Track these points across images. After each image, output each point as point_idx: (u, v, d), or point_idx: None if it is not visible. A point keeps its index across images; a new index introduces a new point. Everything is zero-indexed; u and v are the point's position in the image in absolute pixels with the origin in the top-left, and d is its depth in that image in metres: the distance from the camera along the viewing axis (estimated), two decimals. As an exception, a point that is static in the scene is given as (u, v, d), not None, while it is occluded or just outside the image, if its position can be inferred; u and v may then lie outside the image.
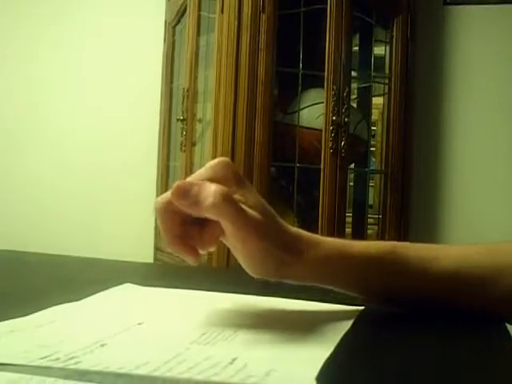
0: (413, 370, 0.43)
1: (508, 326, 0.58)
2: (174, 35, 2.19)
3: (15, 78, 2.47)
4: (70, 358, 0.38)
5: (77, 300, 0.57)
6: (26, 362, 0.37)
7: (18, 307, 0.52)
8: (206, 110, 1.94)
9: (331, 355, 0.42)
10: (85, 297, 0.58)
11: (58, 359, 0.37)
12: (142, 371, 0.36)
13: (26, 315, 0.50)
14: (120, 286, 0.65)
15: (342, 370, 0.41)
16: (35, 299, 0.58)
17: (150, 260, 2.16)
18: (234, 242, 0.52)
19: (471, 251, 0.64)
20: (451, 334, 0.54)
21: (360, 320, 0.54)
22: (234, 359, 0.40)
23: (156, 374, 0.36)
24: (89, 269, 0.85)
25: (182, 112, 1.96)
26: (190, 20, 1.96)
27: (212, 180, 0.51)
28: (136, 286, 0.65)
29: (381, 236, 1.93)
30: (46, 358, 0.38)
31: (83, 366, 0.37)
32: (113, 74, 2.39)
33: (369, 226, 2.03)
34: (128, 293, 0.63)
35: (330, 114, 1.77)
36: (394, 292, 0.60)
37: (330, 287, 0.59)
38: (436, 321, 0.59)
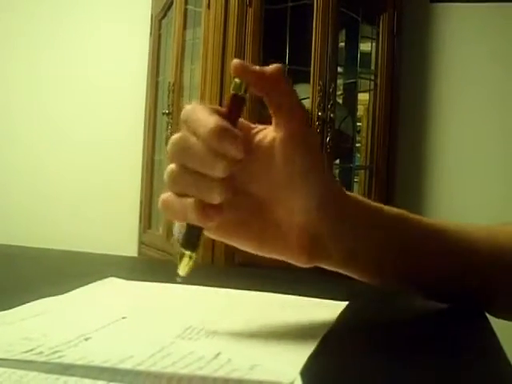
0: (396, 365, 0.43)
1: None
2: (160, 29, 2.18)
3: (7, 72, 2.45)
4: (54, 352, 0.38)
5: (61, 293, 0.56)
6: (9, 355, 0.37)
7: (3, 300, 0.52)
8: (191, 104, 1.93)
9: (315, 350, 0.43)
10: (69, 290, 0.58)
11: (41, 353, 0.37)
12: (126, 365, 0.36)
13: (10, 308, 0.49)
14: (104, 280, 0.65)
15: (326, 364, 0.42)
16: (19, 292, 0.58)
17: (135, 254, 2.15)
18: (286, 153, 0.48)
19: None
20: (433, 327, 0.55)
21: (344, 315, 0.54)
22: (218, 354, 0.40)
23: (140, 368, 0.36)
24: (73, 262, 0.84)
25: (168, 106, 1.95)
26: (176, 14, 1.95)
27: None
28: (119, 279, 0.65)
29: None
30: (29, 351, 0.38)
31: (67, 360, 0.36)
32: (98, 67, 2.38)
33: (353, 222, 2.03)
34: (112, 287, 0.63)
35: (316, 110, 1.77)
36: (411, 266, 0.57)
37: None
38: (419, 315, 0.59)
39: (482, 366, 0.45)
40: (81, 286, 0.61)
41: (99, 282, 0.63)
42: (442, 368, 0.43)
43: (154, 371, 0.36)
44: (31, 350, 0.38)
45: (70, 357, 0.37)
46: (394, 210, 0.57)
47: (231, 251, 1.55)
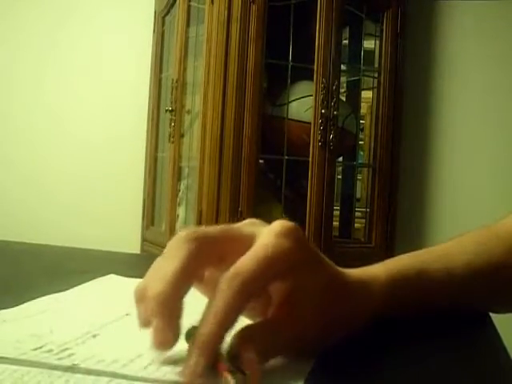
0: (397, 362, 0.43)
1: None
2: (163, 25, 2.17)
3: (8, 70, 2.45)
4: (63, 350, 0.37)
5: (63, 290, 0.56)
6: (19, 353, 0.36)
7: (6, 297, 0.52)
8: (194, 101, 1.93)
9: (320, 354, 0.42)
10: (71, 287, 0.58)
11: (51, 351, 0.37)
12: (136, 366, 0.36)
13: (15, 305, 0.49)
14: (104, 277, 0.64)
15: (326, 364, 0.41)
16: (22, 289, 0.58)
17: (137, 251, 2.15)
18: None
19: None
20: (435, 324, 0.54)
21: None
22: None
23: (151, 367, 0.36)
24: (75, 259, 0.84)
25: (171, 103, 1.95)
26: (179, 10, 1.95)
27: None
28: (120, 277, 0.65)
29: (368, 229, 1.94)
30: (38, 349, 0.37)
31: (77, 358, 0.36)
32: (102, 63, 2.37)
33: (356, 220, 2.04)
34: (113, 284, 0.63)
35: (319, 107, 1.77)
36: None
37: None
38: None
39: (484, 362, 0.45)
40: (83, 282, 0.60)
41: (100, 279, 0.63)
42: (443, 365, 0.43)
43: (165, 369, 0.36)
44: (40, 347, 0.38)
45: (80, 355, 0.37)
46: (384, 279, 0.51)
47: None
